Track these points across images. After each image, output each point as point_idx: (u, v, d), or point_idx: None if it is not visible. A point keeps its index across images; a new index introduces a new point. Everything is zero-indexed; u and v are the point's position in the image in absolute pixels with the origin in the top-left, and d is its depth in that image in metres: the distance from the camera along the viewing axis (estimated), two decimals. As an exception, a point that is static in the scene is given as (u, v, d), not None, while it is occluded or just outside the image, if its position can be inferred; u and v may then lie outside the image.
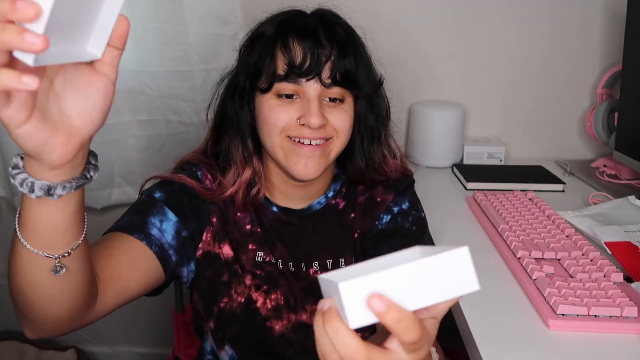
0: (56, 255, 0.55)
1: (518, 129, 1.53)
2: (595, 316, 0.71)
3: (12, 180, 0.52)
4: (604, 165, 1.38)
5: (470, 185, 1.27)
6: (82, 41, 0.46)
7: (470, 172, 1.33)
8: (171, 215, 0.80)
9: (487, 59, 1.48)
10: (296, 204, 0.89)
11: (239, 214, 0.86)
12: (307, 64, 0.76)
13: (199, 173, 0.86)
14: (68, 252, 0.56)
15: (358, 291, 0.39)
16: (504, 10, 1.43)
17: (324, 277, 0.46)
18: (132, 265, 0.73)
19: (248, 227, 0.86)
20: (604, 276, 0.80)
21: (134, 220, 0.77)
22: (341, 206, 0.91)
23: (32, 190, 0.51)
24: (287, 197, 0.88)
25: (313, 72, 0.77)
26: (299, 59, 0.76)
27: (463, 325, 0.75)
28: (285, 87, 0.78)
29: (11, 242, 0.56)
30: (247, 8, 1.43)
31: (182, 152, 1.50)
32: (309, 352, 0.88)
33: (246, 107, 0.83)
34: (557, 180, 1.29)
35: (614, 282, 0.78)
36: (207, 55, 1.41)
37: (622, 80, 1.24)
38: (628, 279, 0.81)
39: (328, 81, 0.78)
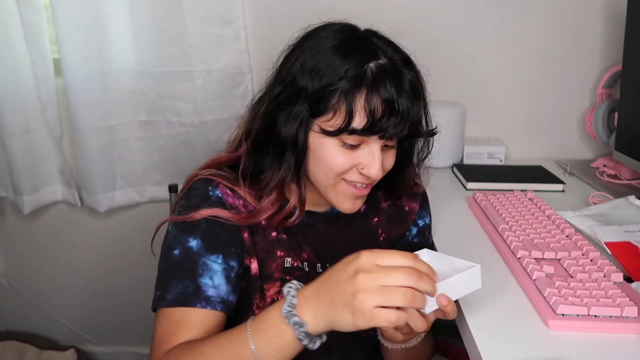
0: None
1: (518, 129, 1.53)
2: (595, 316, 0.71)
3: (301, 342, 0.64)
4: (604, 165, 1.38)
5: (470, 185, 1.27)
6: None
7: (470, 172, 1.33)
8: (216, 266, 0.79)
9: (487, 59, 1.48)
10: (319, 208, 0.89)
11: (264, 221, 0.85)
12: (387, 124, 0.73)
13: (218, 193, 0.83)
14: None
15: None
16: (503, 10, 1.44)
17: None
18: (211, 331, 0.76)
19: (274, 234, 0.86)
20: (604, 276, 0.80)
21: (187, 287, 0.76)
22: (362, 210, 0.92)
23: (315, 345, 0.65)
24: (311, 203, 0.88)
25: (390, 132, 0.74)
26: (378, 115, 0.73)
27: (463, 325, 0.75)
28: (354, 138, 0.75)
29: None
30: (250, 8, 1.43)
31: (183, 153, 1.51)
32: (332, 352, 0.89)
33: (302, 136, 0.77)
34: (557, 180, 1.29)
35: (614, 282, 0.78)
36: (207, 56, 1.41)
37: (622, 80, 1.24)
38: (628, 279, 0.81)
39: (397, 134, 0.76)
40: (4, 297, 1.76)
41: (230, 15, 1.40)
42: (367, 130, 0.74)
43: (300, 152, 0.78)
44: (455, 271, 0.67)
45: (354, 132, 0.74)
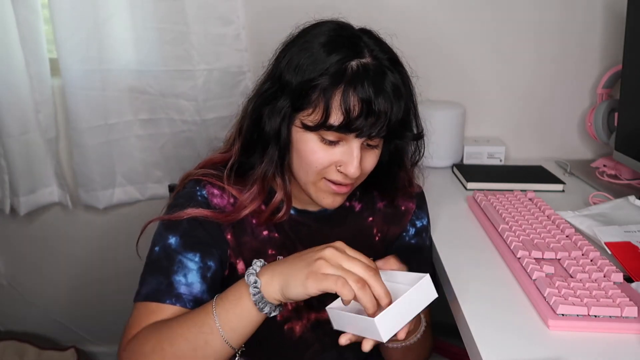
0: (239, 351, 0.74)
1: (518, 129, 1.53)
2: (595, 316, 0.71)
3: (252, 297, 0.69)
4: (604, 165, 1.38)
5: (470, 185, 1.27)
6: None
7: (470, 172, 1.33)
8: (191, 265, 0.80)
9: (487, 59, 1.48)
10: (312, 207, 0.89)
11: (254, 220, 0.85)
12: (363, 123, 0.73)
13: (204, 193, 0.84)
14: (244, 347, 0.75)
15: (385, 319, 0.63)
16: (503, 10, 1.44)
17: (336, 309, 0.70)
18: None
19: (265, 232, 0.86)
20: (604, 276, 0.80)
21: (160, 284, 0.79)
22: (357, 209, 0.93)
23: (264, 309, 0.70)
24: (303, 201, 0.88)
25: (366, 132, 0.74)
26: (354, 114, 0.73)
27: (463, 325, 0.75)
28: (333, 134, 0.75)
29: (201, 332, 0.71)
30: (250, 8, 1.43)
31: (184, 150, 1.52)
32: (326, 350, 0.89)
33: (285, 130, 0.78)
34: (557, 180, 1.29)
35: (614, 282, 0.78)
36: (208, 55, 1.41)
37: (622, 80, 1.24)
38: (628, 279, 0.82)
39: (375, 133, 0.76)
40: (4, 297, 1.76)
41: (231, 14, 1.41)
42: (343, 128, 0.74)
43: (283, 146, 0.79)
44: (405, 284, 0.70)
45: (331, 128, 0.74)
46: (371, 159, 0.81)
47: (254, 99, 0.82)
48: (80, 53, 1.38)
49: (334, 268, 0.65)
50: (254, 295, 0.69)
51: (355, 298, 0.65)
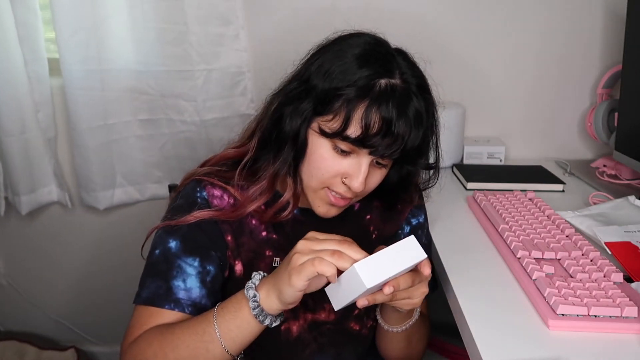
0: (238, 357, 0.77)
1: (518, 129, 1.53)
2: (595, 316, 0.71)
3: (252, 311, 0.71)
4: (604, 165, 1.38)
5: (470, 185, 1.27)
6: None
7: (470, 172, 1.33)
8: (190, 270, 0.80)
9: (487, 58, 1.48)
10: None
11: (254, 221, 0.86)
12: (379, 142, 0.74)
13: (204, 194, 0.84)
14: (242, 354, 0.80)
15: (364, 266, 0.65)
16: (503, 10, 1.44)
17: (331, 288, 0.70)
18: None
19: (264, 233, 0.86)
20: (604, 276, 0.80)
21: (159, 288, 0.79)
22: (356, 208, 0.93)
23: (265, 321, 0.72)
24: (306, 201, 0.88)
25: (380, 151, 0.75)
26: (373, 131, 0.73)
27: (463, 325, 0.75)
28: (347, 145, 0.76)
29: (202, 341, 0.72)
30: (250, 8, 1.43)
31: (184, 151, 1.52)
32: (323, 351, 0.89)
33: (304, 132, 0.78)
34: (557, 180, 1.29)
35: (614, 282, 0.78)
36: (208, 55, 1.41)
37: (622, 80, 1.24)
38: (628, 279, 0.82)
39: (388, 154, 0.76)
40: (4, 297, 1.76)
41: (231, 14, 1.40)
42: (359, 142, 0.74)
43: (299, 148, 0.79)
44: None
45: (346, 139, 0.75)
46: (377, 177, 0.81)
47: (278, 97, 0.82)
48: (80, 53, 1.38)
49: (307, 255, 0.67)
50: (254, 309, 0.70)
51: (339, 273, 0.66)
